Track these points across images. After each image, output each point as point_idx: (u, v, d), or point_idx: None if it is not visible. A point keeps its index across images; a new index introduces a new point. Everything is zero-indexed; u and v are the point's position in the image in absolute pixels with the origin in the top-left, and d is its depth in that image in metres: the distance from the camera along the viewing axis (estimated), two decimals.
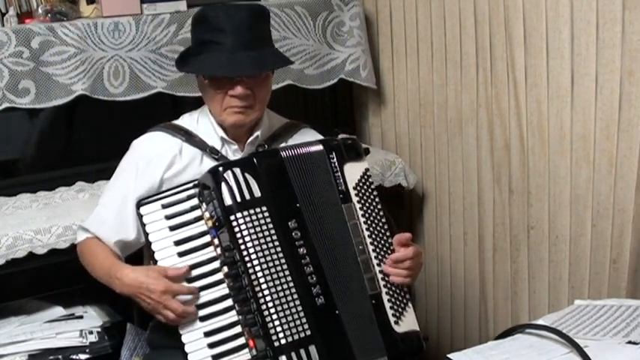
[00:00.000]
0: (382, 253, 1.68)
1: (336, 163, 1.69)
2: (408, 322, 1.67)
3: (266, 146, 1.81)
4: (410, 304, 1.69)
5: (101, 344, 2.01)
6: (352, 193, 1.69)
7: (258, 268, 1.56)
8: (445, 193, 2.51)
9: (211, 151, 1.76)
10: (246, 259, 1.56)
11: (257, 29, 1.73)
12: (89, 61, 2.17)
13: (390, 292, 1.67)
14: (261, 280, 1.56)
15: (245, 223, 1.57)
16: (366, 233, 1.67)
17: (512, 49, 2.09)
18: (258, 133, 1.79)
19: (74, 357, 1.97)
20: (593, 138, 1.90)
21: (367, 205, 1.69)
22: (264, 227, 1.58)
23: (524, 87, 2.08)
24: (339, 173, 1.69)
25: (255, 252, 1.57)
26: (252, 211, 1.58)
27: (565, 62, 1.93)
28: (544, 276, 2.13)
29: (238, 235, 1.57)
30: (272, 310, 1.55)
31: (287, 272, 1.58)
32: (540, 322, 1.53)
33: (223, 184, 1.58)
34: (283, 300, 1.56)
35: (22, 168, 2.31)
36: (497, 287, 2.34)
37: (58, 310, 2.11)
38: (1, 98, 2.07)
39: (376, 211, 1.70)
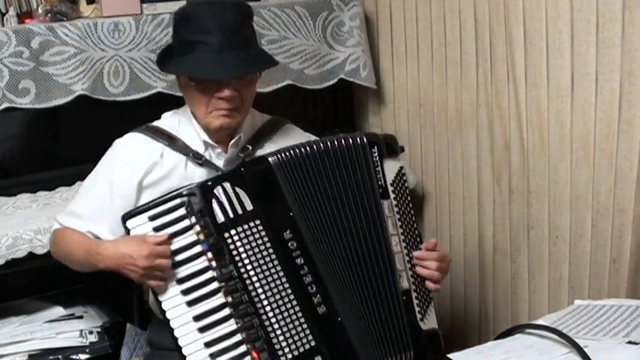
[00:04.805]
0: (412, 251, 1.68)
1: (378, 158, 1.67)
2: (430, 320, 1.68)
3: (250, 147, 1.76)
4: (432, 303, 1.69)
5: (101, 344, 2.00)
6: (389, 189, 1.67)
7: (257, 285, 1.55)
8: (445, 193, 2.51)
9: (195, 156, 1.72)
10: (244, 276, 1.55)
11: (244, 29, 1.69)
12: (89, 61, 2.17)
13: (417, 290, 1.67)
14: (262, 297, 1.55)
15: (240, 239, 1.55)
16: (400, 230, 1.66)
17: (512, 49, 2.09)
18: (240, 134, 1.74)
19: (74, 357, 1.97)
20: (593, 138, 1.90)
21: (401, 203, 1.68)
22: (260, 242, 1.57)
23: (524, 87, 2.08)
24: (380, 168, 1.67)
25: (253, 268, 1.55)
26: (245, 227, 1.56)
27: (565, 62, 1.93)
28: (544, 276, 2.13)
29: (234, 252, 1.55)
30: (275, 326, 1.55)
31: (286, 285, 1.56)
32: (540, 322, 1.53)
33: (214, 201, 1.56)
34: (285, 314, 1.55)
35: (22, 168, 2.31)
36: (497, 287, 2.34)
37: (58, 310, 2.11)
38: (1, 98, 2.07)
39: (409, 209, 1.69)
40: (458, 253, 2.49)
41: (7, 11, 2.20)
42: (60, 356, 1.96)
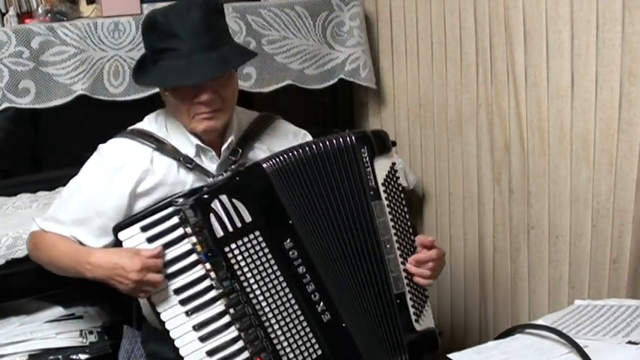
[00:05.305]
0: (406, 252, 1.65)
1: (367, 158, 1.62)
2: (426, 321, 1.67)
3: (240, 150, 1.70)
4: (428, 302, 1.68)
5: (101, 344, 2.01)
6: (381, 189, 1.63)
7: (261, 297, 1.54)
8: (445, 193, 2.51)
9: (185, 160, 1.66)
10: (247, 289, 1.54)
11: (212, 28, 1.60)
12: (89, 61, 2.17)
13: (412, 291, 1.65)
14: (266, 309, 1.54)
15: (240, 253, 1.53)
16: (393, 231, 1.63)
17: (512, 49, 2.09)
18: (231, 137, 1.69)
19: (74, 357, 1.97)
20: (593, 138, 1.90)
21: (394, 202, 1.64)
22: (260, 253, 1.55)
23: (524, 87, 2.08)
24: (370, 168, 1.62)
25: (256, 281, 1.54)
26: (245, 239, 1.54)
27: (565, 62, 1.93)
28: (544, 276, 2.13)
29: (236, 266, 1.53)
30: (282, 338, 1.54)
31: (290, 295, 1.55)
32: (540, 322, 1.53)
33: (212, 215, 1.53)
34: (290, 325, 1.55)
35: (22, 168, 2.31)
36: (497, 287, 2.34)
37: (58, 310, 2.11)
38: (1, 98, 2.07)
39: (402, 207, 1.65)
40: (458, 253, 2.49)
41: (7, 11, 2.20)
42: (60, 356, 1.96)
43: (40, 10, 2.20)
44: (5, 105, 2.08)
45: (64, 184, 2.23)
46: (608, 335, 1.43)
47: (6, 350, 1.93)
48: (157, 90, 2.21)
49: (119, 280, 1.54)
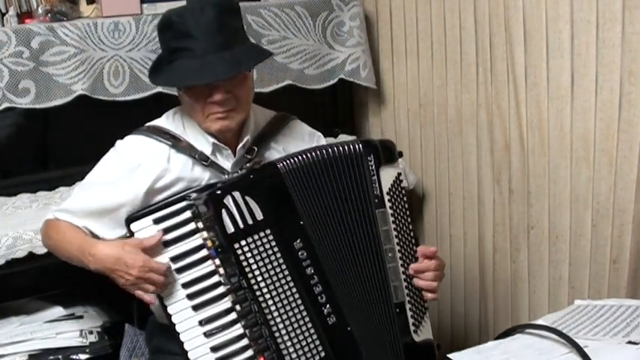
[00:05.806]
0: (408, 262, 1.65)
1: (374, 166, 1.63)
2: (425, 332, 1.67)
3: (255, 149, 1.70)
4: (427, 313, 1.68)
5: (101, 344, 2.01)
6: (385, 198, 1.63)
7: (267, 296, 1.54)
8: (445, 193, 2.51)
9: (201, 157, 1.67)
10: (255, 287, 1.54)
11: (227, 27, 1.60)
12: (89, 61, 2.17)
13: (412, 301, 1.65)
14: (272, 308, 1.54)
15: (250, 250, 1.54)
16: (395, 240, 1.64)
17: (512, 49, 2.09)
18: (247, 137, 1.69)
19: (74, 357, 1.97)
20: (593, 138, 1.90)
21: (398, 211, 1.65)
22: (270, 252, 1.55)
23: (524, 87, 2.08)
24: (376, 177, 1.63)
25: (264, 279, 1.54)
26: (256, 237, 1.55)
27: (565, 62, 1.93)
28: (544, 276, 2.13)
29: (244, 263, 1.54)
30: (285, 337, 1.55)
31: (297, 295, 1.56)
32: (540, 322, 1.53)
33: (224, 211, 1.54)
34: (295, 325, 1.55)
35: (22, 168, 2.31)
36: (497, 287, 2.34)
37: (58, 310, 2.11)
38: (1, 98, 2.07)
39: (405, 217, 1.66)
40: (458, 253, 2.49)
41: (7, 11, 2.20)
42: (60, 356, 1.96)
43: (40, 10, 2.20)
44: (5, 105, 2.08)
45: (65, 184, 2.25)
46: (608, 335, 1.43)
47: (6, 350, 1.93)
48: (158, 90, 2.23)
49: (120, 275, 1.54)
